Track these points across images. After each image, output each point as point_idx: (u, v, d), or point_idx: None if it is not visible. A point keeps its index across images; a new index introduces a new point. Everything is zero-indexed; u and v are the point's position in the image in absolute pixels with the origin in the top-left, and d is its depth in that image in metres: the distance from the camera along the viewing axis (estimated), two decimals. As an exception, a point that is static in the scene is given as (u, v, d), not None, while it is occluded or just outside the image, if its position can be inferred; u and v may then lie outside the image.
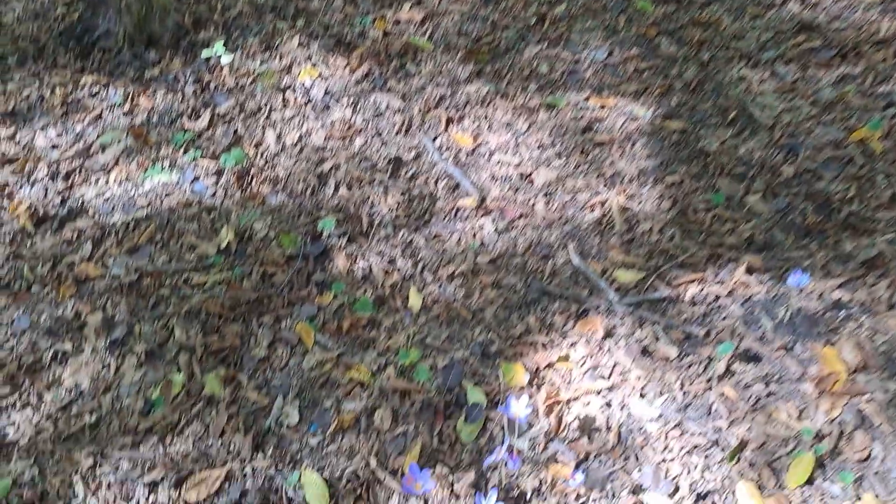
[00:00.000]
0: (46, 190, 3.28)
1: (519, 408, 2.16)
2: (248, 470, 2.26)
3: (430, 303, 2.85)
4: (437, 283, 2.93)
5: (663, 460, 2.27)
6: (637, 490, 2.19)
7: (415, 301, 2.84)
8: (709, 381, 2.49)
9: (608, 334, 2.70)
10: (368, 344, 2.68)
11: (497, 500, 1.97)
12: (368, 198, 3.24)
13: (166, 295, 2.83)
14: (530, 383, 2.52)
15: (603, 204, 3.19)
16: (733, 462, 2.25)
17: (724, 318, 2.73)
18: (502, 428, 2.35)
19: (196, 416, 2.43)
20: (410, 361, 2.58)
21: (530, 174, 3.35)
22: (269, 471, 2.26)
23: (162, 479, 2.23)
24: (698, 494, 2.17)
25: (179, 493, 2.19)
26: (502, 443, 2.11)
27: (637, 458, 2.30)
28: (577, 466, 2.17)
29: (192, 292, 2.83)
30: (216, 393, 2.49)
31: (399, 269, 2.98)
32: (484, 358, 2.62)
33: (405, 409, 2.44)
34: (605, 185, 3.28)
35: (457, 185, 3.31)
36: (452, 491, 2.20)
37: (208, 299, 2.78)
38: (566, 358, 2.61)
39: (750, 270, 2.85)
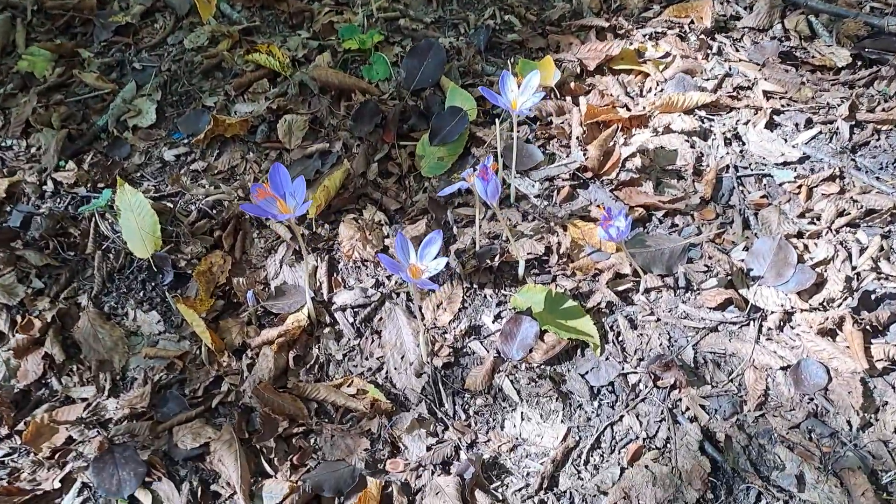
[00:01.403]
0: None
1: (522, 92, 1.08)
2: (47, 187, 1.32)
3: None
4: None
5: (798, 234, 1.17)
6: (737, 280, 1.13)
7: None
8: (909, 105, 1.31)
9: (721, 26, 1.52)
10: (301, 21, 1.60)
11: (436, 256, 0.94)
12: None
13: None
14: (562, 90, 1.41)
15: None
16: (943, 249, 1.13)
17: (952, 6, 1.48)
18: (504, 166, 1.28)
19: (-6, 101, 1.48)
20: (362, 46, 1.49)
21: None
22: (78, 190, 1.31)
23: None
24: (862, 301, 1.07)
25: (-75, 212, 1.29)
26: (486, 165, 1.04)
27: (747, 226, 1.21)
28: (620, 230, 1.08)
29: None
30: (38, 71, 1.51)
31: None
32: (490, 52, 1.51)
33: (335, 118, 1.39)
34: None
35: None
36: (385, 250, 1.19)
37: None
38: (637, 56, 1.47)
39: None
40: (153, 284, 1.21)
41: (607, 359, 1.09)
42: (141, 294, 1.21)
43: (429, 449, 1.01)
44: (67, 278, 1.23)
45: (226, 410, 1.07)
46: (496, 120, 1.23)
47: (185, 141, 1.42)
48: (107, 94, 1.51)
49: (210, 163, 1.38)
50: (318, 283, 1.19)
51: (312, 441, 1.04)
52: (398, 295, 1.18)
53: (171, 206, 1.29)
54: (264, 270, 1.22)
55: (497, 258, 1.19)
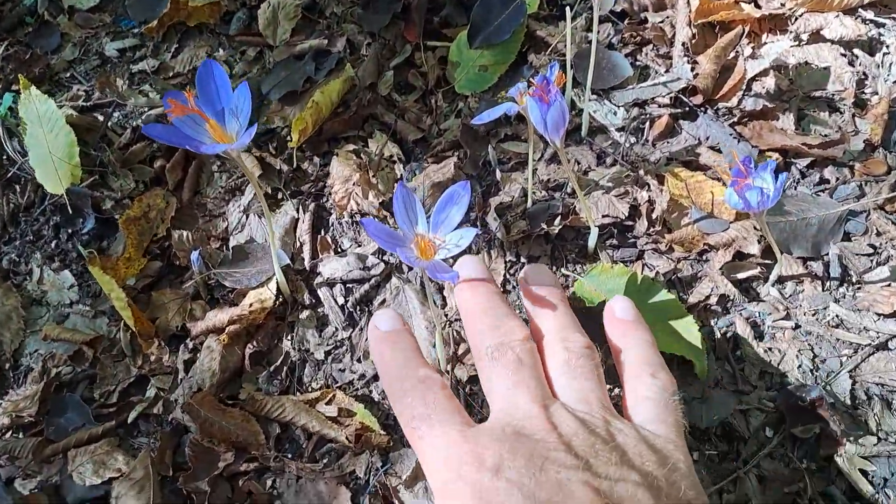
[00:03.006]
0: None
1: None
2: (-54, 87, 0.99)
3: None
4: None
5: None
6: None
7: None
8: None
9: None
10: None
11: (461, 224, 0.57)
12: None
13: None
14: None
15: None
16: None
17: None
18: (574, 83, 0.89)
19: None
20: None
21: None
22: (-18, 93, 0.98)
23: None
24: None
25: None
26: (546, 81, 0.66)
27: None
28: (741, 179, 0.69)
29: None
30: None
31: None
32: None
33: (339, 4, 1.03)
34: None
35: None
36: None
37: None
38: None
39: None
40: (69, 232, 0.89)
41: (717, 385, 0.74)
42: (52, 245, 0.89)
43: (439, 514, 0.68)
44: (-44, 217, 0.91)
45: (148, 428, 0.76)
46: (566, 13, 0.84)
47: (136, 30, 1.07)
48: (37, -36, 1.15)
49: (164, 61, 1.03)
50: (298, 244, 0.85)
51: (268, 484, 0.72)
52: (411, 268, 0.83)
53: (104, 120, 0.95)
54: (224, 220, 0.88)
55: (557, 220, 0.82)
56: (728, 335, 0.78)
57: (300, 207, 0.88)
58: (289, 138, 0.91)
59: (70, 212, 0.88)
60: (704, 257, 0.82)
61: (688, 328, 0.76)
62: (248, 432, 0.74)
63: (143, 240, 0.86)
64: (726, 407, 0.73)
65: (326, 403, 0.76)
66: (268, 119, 0.94)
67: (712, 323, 0.78)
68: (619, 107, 0.93)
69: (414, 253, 0.61)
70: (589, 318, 0.69)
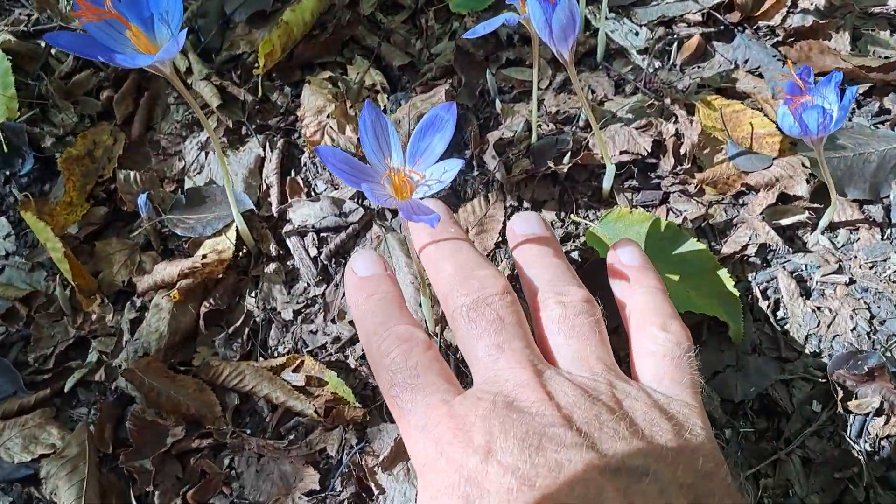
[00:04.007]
0: None
1: None
2: None
3: None
4: None
5: None
6: None
7: None
8: None
9: None
10: None
11: (443, 156, 0.46)
12: None
13: None
14: None
15: None
16: None
17: None
18: None
19: None
20: None
21: None
22: (-87, 18, 0.87)
23: None
24: None
25: None
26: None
27: None
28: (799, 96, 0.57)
29: None
30: None
31: None
32: None
33: None
34: None
35: None
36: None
37: None
38: None
39: None
40: (6, 174, 0.78)
41: (754, 351, 0.63)
42: (-13, 189, 0.78)
43: (421, 502, 0.58)
44: None
45: (88, 397, 0.66)
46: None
47: (88, -54, 0.94)
48: None
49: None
50: (264, 187, 0.74)
51: (225, 463, 0.62)
52: (394, 214, 0.72)
53: (45, 47, 0.84)
54: (180, 160, 0.78)
55: (567, 158, 0.71)
56: (768, 292, 0.67)
57: (267, 144, 0.77)
58: (255, 65, 0.79)
59: (6, 150, 0.78)
60: (741, 200, 0.71)
61: (720, 284, 0.65)
62: (201, 403, 0.64)
63: (87, 182, 0.76)
64: (766, 377, 0.62)
65: (293, 371, 0.66)
66: (232, 44, 0.83)
67: (750, 278, 0.67)
68: (641, 26, 0.81)
69: (386, 190, 0.50)
70: (602, 272, 0.59)
